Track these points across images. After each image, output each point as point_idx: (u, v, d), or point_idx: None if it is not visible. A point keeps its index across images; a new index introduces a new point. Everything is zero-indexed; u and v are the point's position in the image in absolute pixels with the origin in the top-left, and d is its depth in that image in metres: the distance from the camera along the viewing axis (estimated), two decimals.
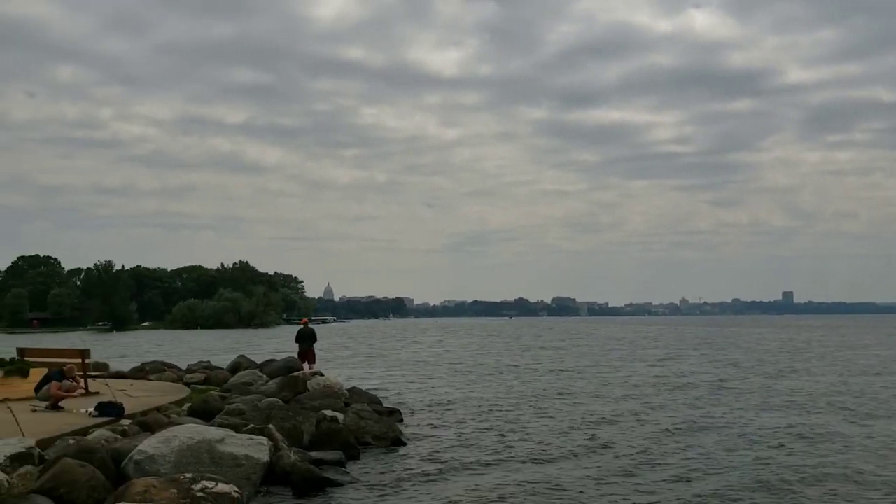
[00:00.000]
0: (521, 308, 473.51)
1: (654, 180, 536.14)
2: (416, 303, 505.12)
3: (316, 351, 22.01)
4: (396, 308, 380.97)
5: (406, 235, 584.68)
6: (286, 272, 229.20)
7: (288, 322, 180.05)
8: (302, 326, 22.04)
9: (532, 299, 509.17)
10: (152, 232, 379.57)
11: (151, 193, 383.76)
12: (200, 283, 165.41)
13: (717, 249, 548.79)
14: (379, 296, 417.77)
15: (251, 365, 22.90)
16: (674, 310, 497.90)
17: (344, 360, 39.21)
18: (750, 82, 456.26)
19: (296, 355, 21.77)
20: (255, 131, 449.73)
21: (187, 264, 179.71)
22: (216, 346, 59.14)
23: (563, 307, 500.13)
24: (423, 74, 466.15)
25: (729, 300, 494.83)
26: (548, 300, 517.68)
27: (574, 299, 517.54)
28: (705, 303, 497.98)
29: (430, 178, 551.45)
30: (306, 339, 21.54)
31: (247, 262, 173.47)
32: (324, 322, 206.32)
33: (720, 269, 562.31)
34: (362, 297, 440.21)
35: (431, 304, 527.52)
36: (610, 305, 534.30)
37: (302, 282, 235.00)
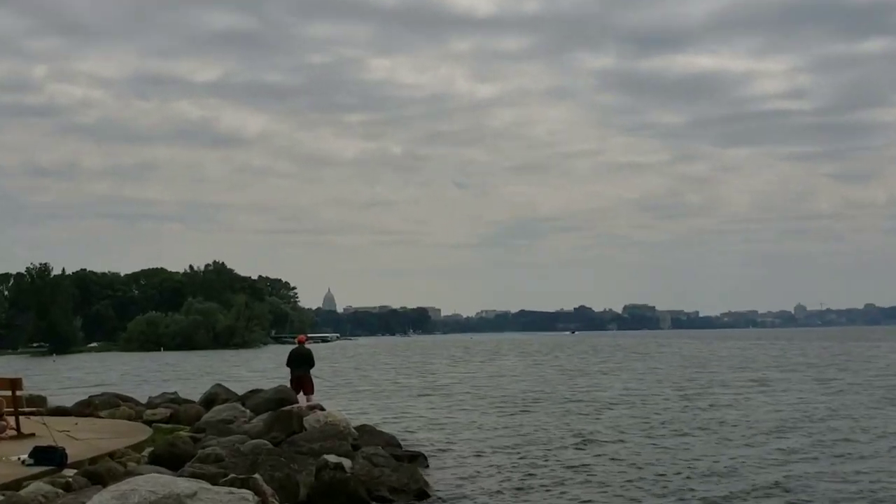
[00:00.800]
0: (583, 319, 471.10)
1: (759, 148, 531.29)
2: (443, 314, 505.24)
3: (313, 378, 22.16)
4: (418, 321, 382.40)
5: (430, 226, 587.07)
6: (275, 276, 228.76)
7: (278, 340, 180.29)
8: (297, 346, 22.21)
9: (597, 307, 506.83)
10: (101, 225, 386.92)
11: (100, 174, 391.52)
12: (164, 292, 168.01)
13: (843, 239, 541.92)
14: (395, 306, 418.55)
15: (230, 397, 23.14)
16: (786, 319, 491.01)
17: (351, 389, 39.54)
18: (884, 15, 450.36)
19: (288, 383, 21.92)
20: (232, 92, 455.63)
21: (147, 266, 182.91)
22: (185, 373, 60.06)
23: (638, 318, 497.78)
24: (450, 13, 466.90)
25: (860, 306, 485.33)
26: (618, 309, 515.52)
27: (653, 307, 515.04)
28: (828, 309, 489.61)
29: (460, 149, 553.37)
30: (302, 363, 21.70)
31: (223, 264, 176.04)
32: (324, 340, 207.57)
33: (848, 265, 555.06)
34: (373, 308, 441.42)
35: (464, 316, 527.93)
36: (701, 315, 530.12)
37: (294, 288, 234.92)
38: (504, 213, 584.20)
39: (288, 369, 22.14)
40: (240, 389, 26.72)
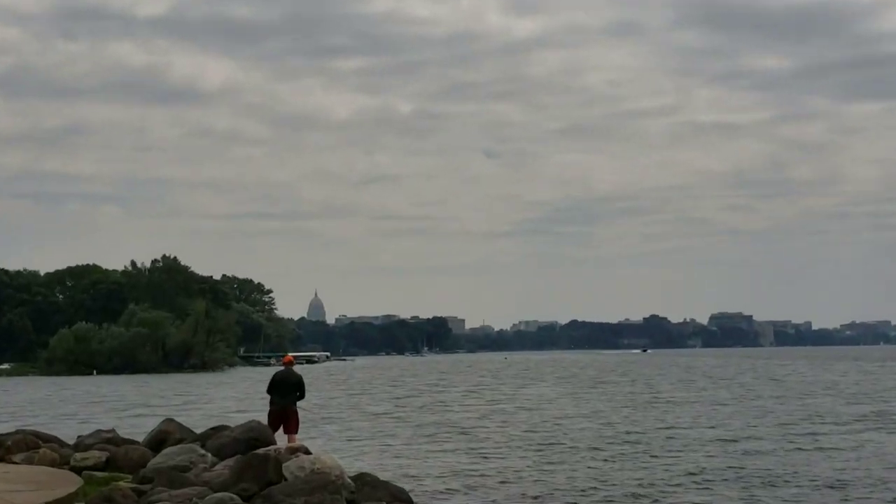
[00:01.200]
0: (656, 333, 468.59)
1: (893, 102, 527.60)
2: (468, 326, 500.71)
3: (300, 411, 22.27)
4: (435, 336, 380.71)
5: (450, 209, 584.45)
6: (244, 275, 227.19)
7: (248, 360, 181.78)
8: (283, 369, 22.25)
9: (674, 318, 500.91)
10: (13, 208, 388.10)
11: (12, 141, 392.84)
12: (97, 296, 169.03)
13: None
14: (404, 315, 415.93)
15: (186, 435, 23.24)
16: None
17: (344, 426, 39.85)
18: None
19: (264, 418, 22.03)
20: (186, 31, 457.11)
21: (74, 263, 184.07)
22: (126, 404, 60.15)
23: (729, 331, 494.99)
24: None
25: None
26: (702, 319, 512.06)
27: (749, 317, 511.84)
28: None
29: (490, 106, 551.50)
30: (288, 391, 21.77)
31: (175, 259, 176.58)
32: (309, 361, 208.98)
33: None
34: (375, 319, 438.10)
35: (496, 329, 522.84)
36: (815, 327, 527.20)
37: (270, 292, 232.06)
38: (549, 192, 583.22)
39: (269, 398, 22.18)
40: (198, 426, 26.82)
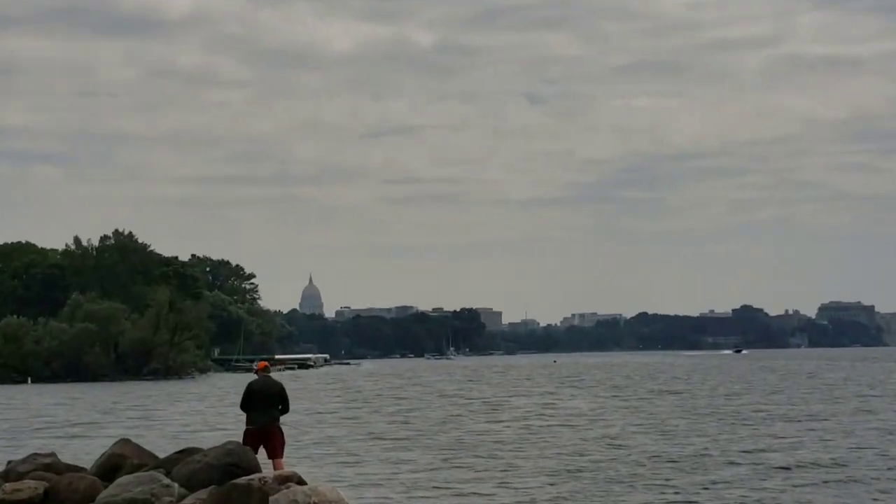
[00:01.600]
0: (749, 327, 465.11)
1: None
2: (507, 320, 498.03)
3: (285, 430, 22.34)
4: (465, 332, 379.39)
5: (484, 169, 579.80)
6: (219, 256, 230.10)
7: (224, 365, 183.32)
8: (257, 377, 22.31)
9: (772, 309, 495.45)
10: None
11: None
12: (31, 282, 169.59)
13: None
14: (425, 306, 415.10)
15: (146, 461, 23.32)
16: None
17: (342, 448, 40.07)
18: None
19: (240, 438, 22.10)
20: None
21: (2, 241, 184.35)
22: (69, 420, 60.43)
23: (843, 325, 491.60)
24: None
25: None
26: (809, 311, 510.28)
27: (871, 307, 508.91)
28: None
29: (534, 35, 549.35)
30: (268, 405, 21.92)
31: (131, 236, 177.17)
32: (303, 365, 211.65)
33: None
34: (387, 311, 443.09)
35: (543, 325, 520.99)
36: None
37: (253, 277, 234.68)
38: (610, 147, 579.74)
39: (244, 414, 22.26)
40: (161, 448, 26.95)
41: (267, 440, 21.68)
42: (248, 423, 21.94)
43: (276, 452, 21.64)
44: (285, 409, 22.06)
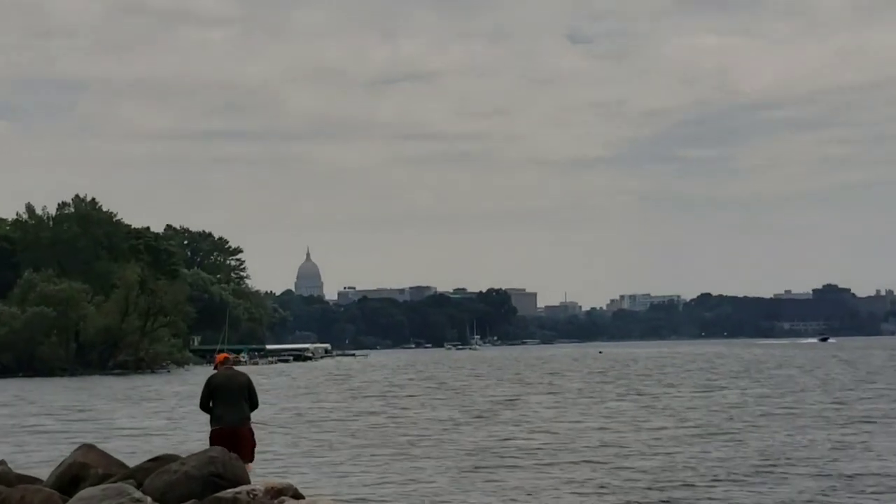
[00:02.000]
0: (834, 311, 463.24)
1: None
2: (543, 303, 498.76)
3: (266, 431, 22.44)
4: (493, 318, 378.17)
5: (517, 122, 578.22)
6: (199, 227, 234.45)
7: (206, 356, 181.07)
8: (220, 370, 22.61)
9: (861, 289, 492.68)
10: None
11: None
12: None
13: None
14: (445, 287, 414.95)
15: (113, 470, 23.35)
16: None
17: (346, 453, 40.45)
18: None
19: (208, 440, 22.25)
20: None
21: None
22: (20, 422, 60.77)
23: None
24: None
25: None
26: None
27: None
28: None
29: None
30: (236, 401, 22.15)
31: (94, 202, 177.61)
32: (300, 357, 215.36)
33: None
34: (399, 293, 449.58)
35: (586, 309, 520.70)
36: None
37: (240, 251, 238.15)
38: (668, 96, 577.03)
39: (205, 415, 22.40)
40: (131, 455, 26.99)
41: (238, 442, 21.73)
42: (215, 424, 22.05)
43: (247, 456, 21.74)
44: (254, 405, 22.30)
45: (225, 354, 24.04)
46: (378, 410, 65.41)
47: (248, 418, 22.15)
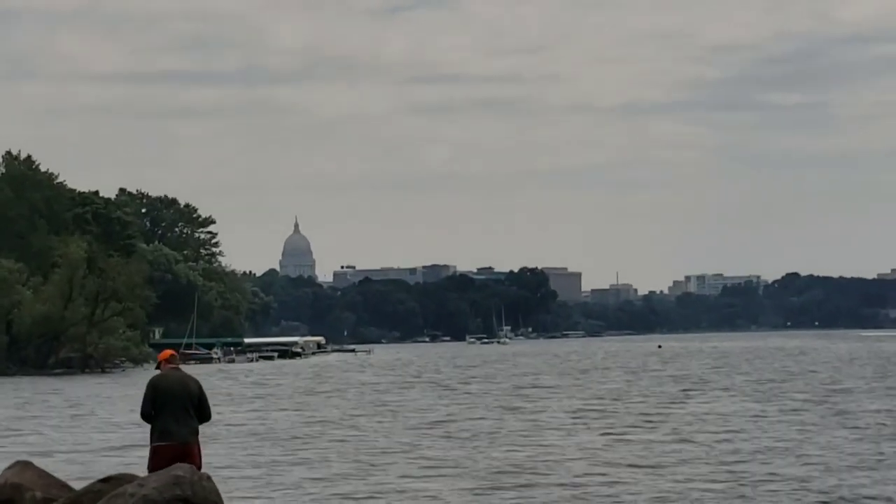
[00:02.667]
0: None
1: None
2: (589, 286, 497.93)
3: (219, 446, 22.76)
4: (528, 304, 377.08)
5: (556, 60, 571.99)
6: (160, 191, 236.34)
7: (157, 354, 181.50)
8: (163, 372, 22.79)
9: None
10: None
11: None
12: None
13: None
14: (467, 266, 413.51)
15: (54, 493, 23.72)
16: None
17: (335, 469, 41.33)
18: None
19: (147, 457, 22.52)
20: None
21: None
22: None
23: None
24: None
25: None
26: None
27: None
28: None
29: None
30: (184, 411, 22.37)
31: (30, 160, 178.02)
32: (285, 353, 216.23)
33: None
34: (410, 273, 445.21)
35: (642, 293, 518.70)
36: None
37: (212, 222, 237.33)
38: (748, 26, 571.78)
39: (147, 426, 22.69)
40: (77, 475, 27.28)
41: (184, 461, 21.91)
42: (161, 438, 22.24)
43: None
44: (205, 417, 22.50)
45: (171, 351, 23.73)
46: (380, 424, 65.71)
47: (197, 432, 22.31)
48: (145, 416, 22.48)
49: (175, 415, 22.09)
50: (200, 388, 22.43)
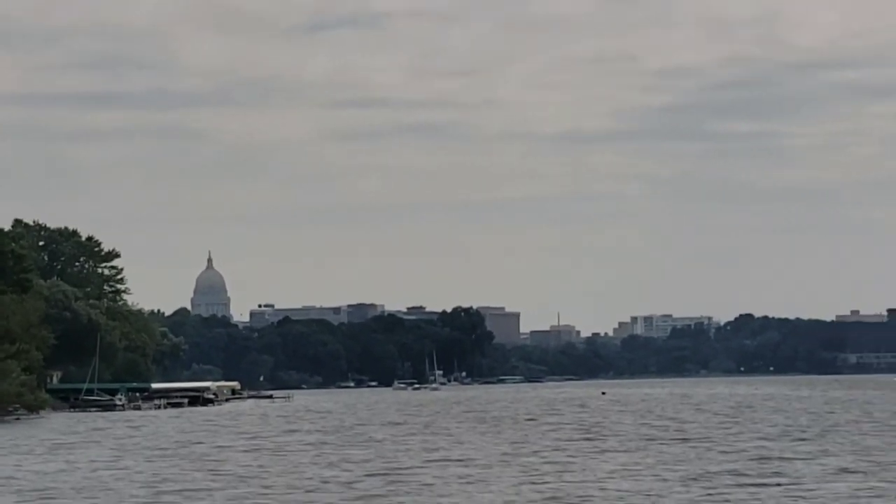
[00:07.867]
0: None
1: None
2: (528, 328, 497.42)
3: None
4: (462, 346, 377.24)
5: (494, 84, 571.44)
6: (60, 223, 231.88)
7: (69, 399, 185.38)
8: None
9: None
10: None
11: None
12: None
13: None
14: (397, 306, 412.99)
15: None
16: None
17: None
18: None
19: None
20: None
21: None
22: None
23: None
24: None
25: None
26: None
27: None
28: None
29: None
30: None
31: None
32: (196, 400, 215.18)
33: None
34: (334, 313, 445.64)
35: (585, 335, 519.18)
36: None
37: (117, 256, 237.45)
38: (698, 50, 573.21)
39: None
40: None
41: None
42: None
43: None
44: None
45: None
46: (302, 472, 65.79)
47: None
48: None
49: None
50: None
